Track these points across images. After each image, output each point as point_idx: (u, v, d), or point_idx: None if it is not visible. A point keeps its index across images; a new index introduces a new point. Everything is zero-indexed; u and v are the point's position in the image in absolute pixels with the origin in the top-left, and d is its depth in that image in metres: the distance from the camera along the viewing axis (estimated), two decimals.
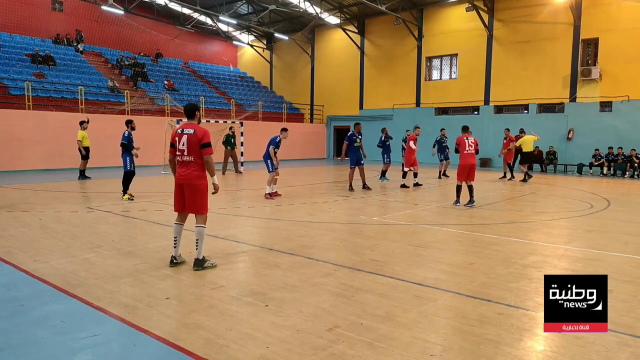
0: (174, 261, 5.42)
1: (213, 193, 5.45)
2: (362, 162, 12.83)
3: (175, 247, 5.43)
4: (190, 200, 5.29)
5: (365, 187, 12.92)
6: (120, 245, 6.47)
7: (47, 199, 10.90)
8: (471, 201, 10.12)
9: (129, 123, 11.18)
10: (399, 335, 3.57)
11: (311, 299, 4.35)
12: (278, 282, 4.87)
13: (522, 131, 17.01)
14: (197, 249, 5.30)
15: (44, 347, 3.38)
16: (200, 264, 5.28)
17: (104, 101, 22.34)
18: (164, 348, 3.36)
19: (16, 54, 22.91)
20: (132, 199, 10.77)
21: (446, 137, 17.05)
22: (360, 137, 12.75)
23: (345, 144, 12.77)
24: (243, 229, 7.85)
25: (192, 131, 5.19)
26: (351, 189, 12.80)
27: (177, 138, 5.28)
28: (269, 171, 11.16)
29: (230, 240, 6.83)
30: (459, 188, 10.41)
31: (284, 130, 11.36)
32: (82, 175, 15.58)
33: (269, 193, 11.18)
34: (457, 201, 10.33)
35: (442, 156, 16.93)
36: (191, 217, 5.55)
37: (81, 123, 15.65)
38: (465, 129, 10.46)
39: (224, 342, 3.45)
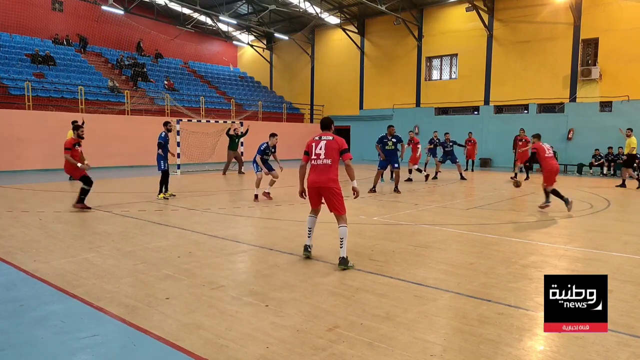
0: (308, 250, 5.79)
1: (354, 197, 5.69)
2: (397, 165, 12.63)
3: (309, 237, 5.85)
4: (329, 201, 5.60)
5: (396, 190, 12.61)
6: (120, 245, 6.46)
7: (47, 199, 10.90)
8: (547, 201, 9.65)
9: (166, 124, 11.41)
10: (399, 335, 3.57)
11: (311, 299, 4.35)
12: (278, 282, 4.87)
13: (629, 131, 15.36)
14: (341, 247, 5.45)
15: (44, 347, 3.38)
16: (345, 262, 5.39)
17: (104, 101, 22.35)
18: (164, 348, 3.36)
19: (16, 54, 22.92)
20: (168, 198, 10.95)
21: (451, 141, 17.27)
22: (393, 139, 12.52)
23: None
24: (243, 229, 7.85)
25: (331, 137, 5.67)
26: (373, 190, 12.46)
27: (313, 144, 5.73)
28: (256, 172, 11.06)
29: (230, 240, 6.83)
30: (554, 192, 9.51)
31: (273, 135, 11.08)
32: None
33: (267, 192, 11.13)
34: (567, 202, 9.30)
35: (442, 158, 17.12)
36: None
37: (73, 122, 15.53)
38: (537, 137, 10.04)
39: (224, 342, 3.44)
